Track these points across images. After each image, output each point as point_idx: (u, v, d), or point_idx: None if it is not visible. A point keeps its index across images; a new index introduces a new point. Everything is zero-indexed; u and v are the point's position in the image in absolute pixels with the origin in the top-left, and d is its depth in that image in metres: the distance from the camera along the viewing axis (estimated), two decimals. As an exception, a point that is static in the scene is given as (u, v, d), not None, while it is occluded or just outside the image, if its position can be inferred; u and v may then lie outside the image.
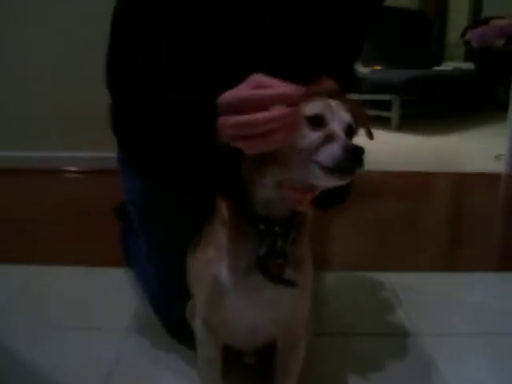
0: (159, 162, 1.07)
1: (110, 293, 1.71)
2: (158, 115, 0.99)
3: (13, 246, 2.12)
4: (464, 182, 3.38)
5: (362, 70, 5.14)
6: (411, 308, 1.64)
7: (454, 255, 2.24)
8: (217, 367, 1.11)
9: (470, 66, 5.99)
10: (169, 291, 1.35)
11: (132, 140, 1.12)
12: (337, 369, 1.35)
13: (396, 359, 1.39)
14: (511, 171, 3.49)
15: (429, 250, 2.25)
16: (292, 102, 0.79)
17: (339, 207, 1.15)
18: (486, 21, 5.58)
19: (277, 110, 0.78)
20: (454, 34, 6.55)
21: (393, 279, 1.82)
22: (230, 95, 0.83)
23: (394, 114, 5.01)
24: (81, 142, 3.22)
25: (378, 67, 5.40)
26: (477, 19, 6.38)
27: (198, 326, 1.08)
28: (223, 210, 0.99)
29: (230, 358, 1.18)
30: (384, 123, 4.91)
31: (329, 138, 0.81)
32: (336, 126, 0.83)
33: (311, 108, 0.84)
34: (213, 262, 0.97)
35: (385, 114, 4.99)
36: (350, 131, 0.86)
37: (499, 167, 3.54)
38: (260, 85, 0.80)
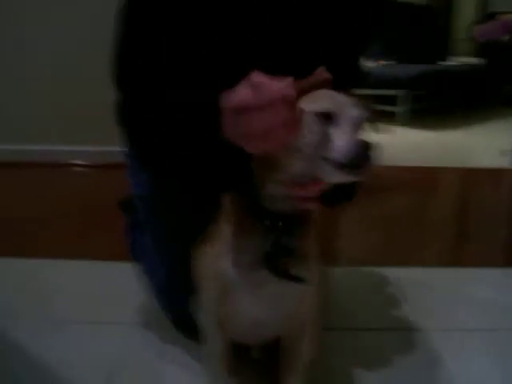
0: (168, 157, 1.07)
1: (115, 287, 1.71)
2: (165, 113, 1.00)
3: (18, 240, 2.13)
4: (470, 177, 3.36)
5: (369, 64, 5.12)
6: (418, 303, 1.64)
7: (461, 250, 2.23)
8: (223, 361, 1.11)
9: (478, 60, 5.96)
10: (175, 285, 1.35)
11: (140, 136, 1.12)
12: (343, 363, 1.35)
13: (402, 354, 1.39)
14: (518, 166, 3.47)
15: (435, 245, 2.24)
16: (290, 101, 0.79)
17: (347, 204, 1.15)
18: (493, 16, 5.57)
19: (275, 111, 0.78)
20: (460, 29, 6.52)
21: (400, 274, 1.82)
22: (231, 101, 0.83)
23: (401, 109, 4.99)
24: (86, 136, 3.22)
25: (385, 62, 5.38)
26: (483, 14, 6.36)
27: (204, 320, 1.08)
28: (229, 204, 0.99)
29: (237, 352, 1.18)
30: (391, 118, 4.90)
31: (339, 134, 0.80)
32: (346, 122, 0.83)
33: (321, 104, 0.83)
34: (219, 257, 0.97)
35: (392, 108, 4.97)
36: (360, 126, 0.85)
37: (505, 162, 3.52)
38: (258, 85, 0.80)
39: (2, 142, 3.28)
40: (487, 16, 5.92)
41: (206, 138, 0.92)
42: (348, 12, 1.15)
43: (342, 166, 0.79)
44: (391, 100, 4.94)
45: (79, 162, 3.32)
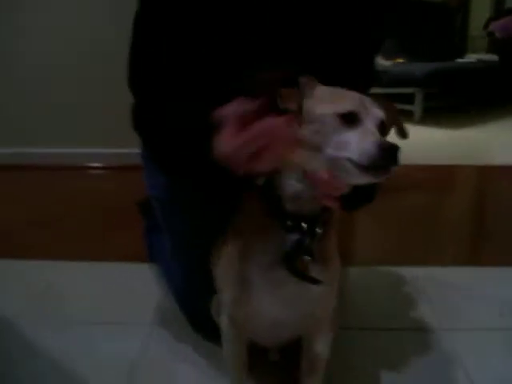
0: (183, 159, 1.07)
1: (134, 288, 1.72)
2: (170, 121, 1.04)
3: (36, 242, 2.14)
4: (487, 175, 3.33)
5: (383, 63, 5.10)
6: (436, 303, 1.63)
7: (479, 249, 2.22)
8: (242, 363, 1.11)
9: (493, 57, 5.90)
10: (193, 287, 1.36)
11: (155, 138, 1.14)
12: (362, 363, 1.35)
13: (421, 354, 1.38)
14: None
15: (453, 244, 2.22)
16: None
17: (366, 206, 1.14)
18: (509, 12, 5.52)
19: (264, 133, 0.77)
20: (476, 26, 6.46)
21: (417, 274, 1.81)
22: (223, 145, 0.80)
23: (416, 107, 4.96)
24: (103, 138, 3.23)
25: (400, 60, 5.35)
26: (500, 10, 6.30)
27: (223, 322, 1.09)
28: (248, 205, 0.99)
29: (255, 354, 1.19)
30: (406, 116, 4.87)
31: (363, 136, 0.80)
32: (370, 123, 0.82)
33: (345, 105, 0.83)
34: (238, 257, 0.97)
35: (407, 107, 4.94)
36: (383, 128, 0.85)
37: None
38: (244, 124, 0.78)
39: (20, 145, 3.31)
40: (504, 12, 5.86)
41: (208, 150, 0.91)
42: (360, 11, 1.15)
43: (367, 169, 0.79)
44: (405, 98, 4.91)
45: (96, 165, 3.34)
